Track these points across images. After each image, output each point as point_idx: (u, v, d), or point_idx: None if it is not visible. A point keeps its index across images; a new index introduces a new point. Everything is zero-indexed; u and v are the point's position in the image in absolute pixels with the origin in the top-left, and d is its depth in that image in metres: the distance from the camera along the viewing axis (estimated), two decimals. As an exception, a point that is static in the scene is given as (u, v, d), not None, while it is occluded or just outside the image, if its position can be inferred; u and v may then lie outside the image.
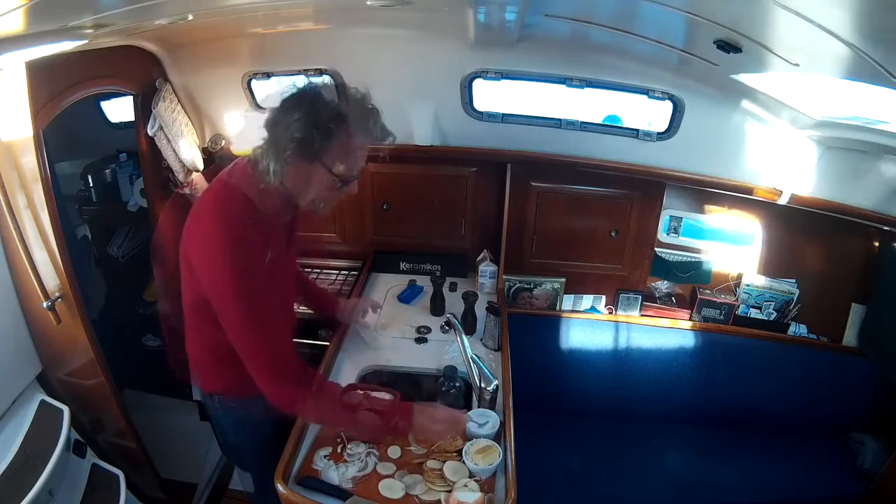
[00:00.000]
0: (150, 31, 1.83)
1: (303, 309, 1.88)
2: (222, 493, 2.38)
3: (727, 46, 1.28)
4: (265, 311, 1.27)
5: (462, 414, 1.48)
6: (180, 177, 2.15)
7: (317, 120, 1.17)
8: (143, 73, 2.02)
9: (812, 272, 2.29)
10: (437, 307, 2.11)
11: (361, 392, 1.62)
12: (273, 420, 1.46)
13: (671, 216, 2.32)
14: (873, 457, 2.15)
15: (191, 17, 1.56)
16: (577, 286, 2.39)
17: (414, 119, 2.13)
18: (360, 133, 1.23)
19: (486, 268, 2.30)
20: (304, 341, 2.21)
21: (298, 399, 1.35)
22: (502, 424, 1.53)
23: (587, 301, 2.43)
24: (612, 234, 2.27)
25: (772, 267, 2.33)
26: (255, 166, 1.25)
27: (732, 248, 2.33)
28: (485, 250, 2.40)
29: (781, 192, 2.02)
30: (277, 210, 1.33)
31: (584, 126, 2.08)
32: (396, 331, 1.99)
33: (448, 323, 1.90)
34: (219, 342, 1.34)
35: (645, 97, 1.93)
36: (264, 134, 1.24)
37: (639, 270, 2.35)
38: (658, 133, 2.04)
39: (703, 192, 2.22)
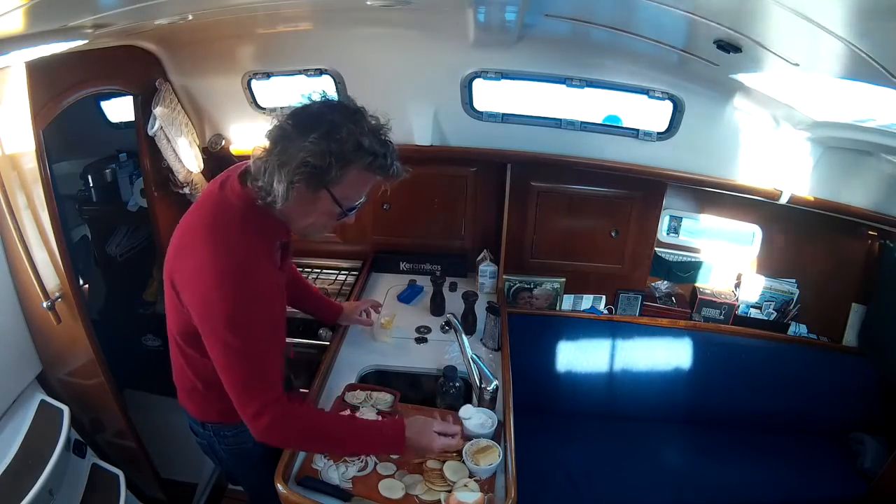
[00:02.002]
0: (150, 31, 1.84)
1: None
2: (222, 493, 2.38)
3: (727, 46, 1.28)
4: (262, 344, 1.17)
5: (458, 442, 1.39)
6: (180, 177, 2.15)
7: (337, 149, 1.07)
8: (143, 73, 2.02)
9: (812, 272, 2.29)
10: (437, 307, 2.11)
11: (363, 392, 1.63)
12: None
13: (671, 216, 2.32)
14: (873, 457, 2.15)
15: (191, 17, 1.56)
16: (577, 286, 2.40)
17: (414, 119, 2.13)
18: (378, 170, 1.14)
19: (486, 268, 2.30)
20: (304, 341, 2.21)
21: (287, 436, 1.25)
22: (502, 424, 1.53)
23: (587, 301, 2.43)
24: (612, 234, 2.27)
25: (772, 267, 2.33)
26: (255, 181, 1.14)
27: (732, 248, 2.33)
28: (485, 250, 2.40)
29: (781, 192, 2.02)
30: (272, 230, 1.23)
31: (584, 126, 2.08)
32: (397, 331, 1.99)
33: (448, 323, 1.90)
34: (212, 369, 1.26)
35: (645, 97, 1.93)
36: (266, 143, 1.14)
37: (639, 270, 2.35)
38: (658, 133, 2.04)
39: (703, 192, 2.22)
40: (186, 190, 2.19)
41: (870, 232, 2.15)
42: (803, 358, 2.30)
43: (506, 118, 2.12)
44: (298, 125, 1.10)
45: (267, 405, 1.17)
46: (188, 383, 1.37)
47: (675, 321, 2.37)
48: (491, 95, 2.09)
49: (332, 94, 1.17)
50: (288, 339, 2.23)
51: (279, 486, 1.33)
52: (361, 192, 1.20)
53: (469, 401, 1.67)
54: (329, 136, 1.07)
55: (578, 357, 2.36)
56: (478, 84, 2.03)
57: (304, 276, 2.45)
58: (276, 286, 1.27)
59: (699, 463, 2.23)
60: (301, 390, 1.75)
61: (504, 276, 2.35)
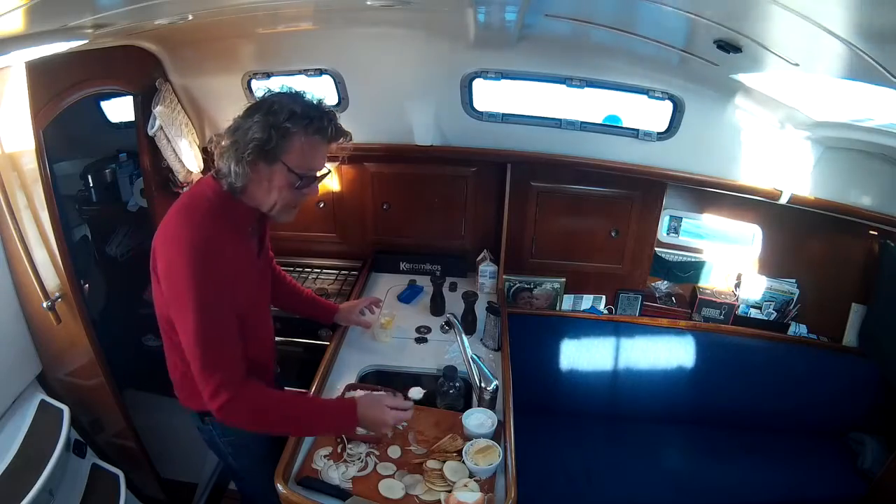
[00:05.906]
0: (150, 31, 1.84)
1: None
2: (222, 493, 2.38)
3: (727, 46, 1.28)
4: (221, 324, 1.23)
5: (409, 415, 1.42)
6: (180, 177, 2.15)
7: (274, 121, 1.20)
8: (143, 73, 2.02)
9: (812, 272, 2.29)
10: (437, 307, 2.11)
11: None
12: (271, 438, 1.46)
13: (671, 216, 2.32)
14: (873, 457, 2.15)
15: (191, 17, 1.56)
16: (577, 286, 2.40)
17: (414, 119, 2.13)
18: (317, 133, 1.25)
19: (486, 268, 2.30)
20: (305, 341, 2.21)
21: (244, 416, 1.27)
22: (502, 424, 1.53)
23: (587, 301, 2.43)
24: (612, 233, 2.27)
25: (772, 267, 2.33)
26: (219, 171, 1.26)
27: (732, 248, 2.33)
28: (485, 250, 2.40)
29: (781, 192, 2.02)
30: (243, 217, 1.31)
31: (584, 126, 2.08)
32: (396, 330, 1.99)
33: (448, 323, 1.90)
34: None
35: (645, 97, 1.93)
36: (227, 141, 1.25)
37: (639, 270, 2.36)
38: (658, 133, 2.04)
39: (703, 192, 2.22)
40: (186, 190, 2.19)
41: (870, 232, 2.15)
42: (803, 358, 2.30)
43: (506, 118, 2.12)
44: (246, 114, 1.24)
45: (224, 384, 1.21)
46: (178, 372, 1.42)
47: (676, 321, 2.37)
48: (491, 95, 2.09)
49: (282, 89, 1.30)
50: (288, 339, 2.26)
51: (279, 486, 1.33)
52: (313, 159, 1.28)
53: (469, 401, 1.68)
54: (268, 112, 1.21)
55: (578, 357, 2.36)
56: (478, 84, 2.03)
57: (305, 276, 2.47)
58: (249, 270, 1.35)
59: (699, 463, 2.23)
60: (301, 390, 1.75)
61: (504, 276, 2.35)
